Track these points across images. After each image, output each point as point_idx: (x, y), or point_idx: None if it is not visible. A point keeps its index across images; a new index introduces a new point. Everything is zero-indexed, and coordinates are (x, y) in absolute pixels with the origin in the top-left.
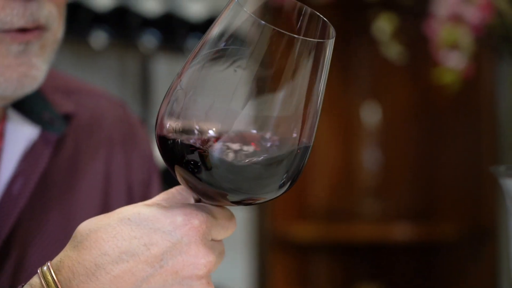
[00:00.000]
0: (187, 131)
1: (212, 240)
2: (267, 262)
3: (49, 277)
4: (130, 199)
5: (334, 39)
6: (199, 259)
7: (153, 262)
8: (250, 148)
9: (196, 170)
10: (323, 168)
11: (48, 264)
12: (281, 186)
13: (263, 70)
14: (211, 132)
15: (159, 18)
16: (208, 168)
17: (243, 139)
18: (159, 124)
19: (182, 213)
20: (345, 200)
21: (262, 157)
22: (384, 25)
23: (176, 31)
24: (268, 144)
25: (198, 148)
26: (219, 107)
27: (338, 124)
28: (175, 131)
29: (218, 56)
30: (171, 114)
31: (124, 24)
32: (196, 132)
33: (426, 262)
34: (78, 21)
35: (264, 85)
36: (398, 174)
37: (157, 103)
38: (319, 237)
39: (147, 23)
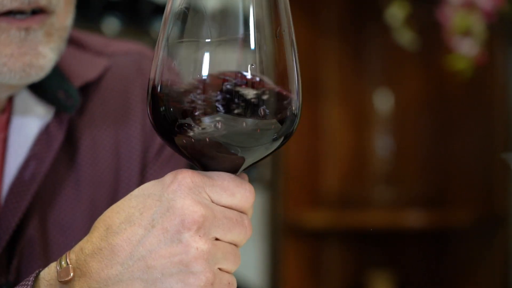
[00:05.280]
0: (178, 93)
1: (214, 202)
2: (279, 249)
3: (63, 258)
4: (144, 156)
5: None
6: (184, 211)
7: (146, 225)
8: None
9: (190, 131)
10: (335, 154)
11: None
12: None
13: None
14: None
15: None
16: (203, 126)
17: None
18: (150, 95)
19: (171, 174)
20: (357, 186)
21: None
22: (396, 12)
23: None
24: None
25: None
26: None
27: (351, 111)
28: (166, 97)
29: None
30: (159, 82)
31: (136, 11)
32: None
33: (438, 249)
34: (91, 8)
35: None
36: (411, 161)
37: None
38: (332, 224)
39: (159, 9)
